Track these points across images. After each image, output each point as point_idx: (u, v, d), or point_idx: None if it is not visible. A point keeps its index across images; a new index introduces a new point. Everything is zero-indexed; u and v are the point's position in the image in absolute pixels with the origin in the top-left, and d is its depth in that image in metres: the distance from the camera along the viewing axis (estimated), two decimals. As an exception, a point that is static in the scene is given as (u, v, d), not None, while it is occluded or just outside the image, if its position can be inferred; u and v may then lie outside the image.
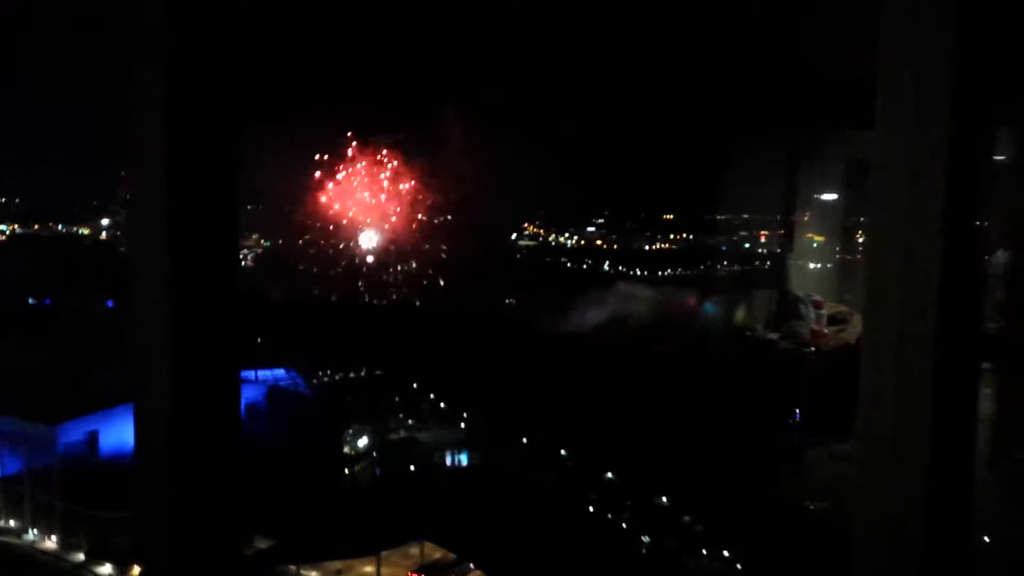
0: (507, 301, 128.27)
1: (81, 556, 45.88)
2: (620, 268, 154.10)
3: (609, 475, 57.75)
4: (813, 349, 68.37)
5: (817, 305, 71.92)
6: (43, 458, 50.71)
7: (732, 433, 58.43)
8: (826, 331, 70.00)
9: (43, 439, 51.51)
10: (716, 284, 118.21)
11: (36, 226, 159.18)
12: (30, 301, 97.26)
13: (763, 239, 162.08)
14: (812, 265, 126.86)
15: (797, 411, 60.41)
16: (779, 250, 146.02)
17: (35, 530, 48.29)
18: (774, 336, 71.83)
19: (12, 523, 49.24)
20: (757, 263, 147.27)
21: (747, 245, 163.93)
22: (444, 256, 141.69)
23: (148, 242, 3.43)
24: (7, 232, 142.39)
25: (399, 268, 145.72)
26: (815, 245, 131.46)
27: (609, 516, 54.21)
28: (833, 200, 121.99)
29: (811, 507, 48.54)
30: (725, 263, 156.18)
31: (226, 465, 3.30)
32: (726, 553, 47.57)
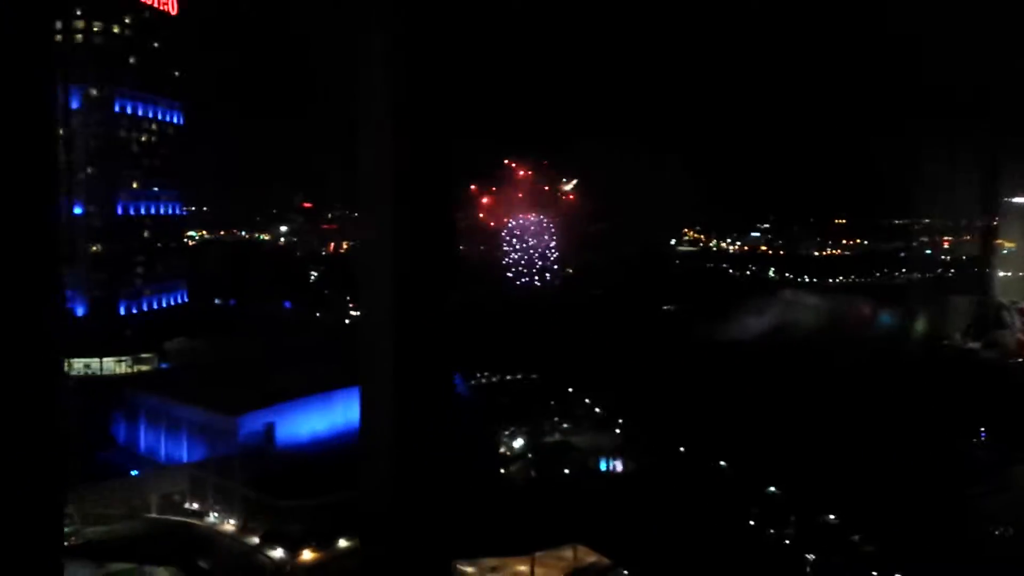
0: (665, 307, 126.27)
1: (256, 539, 48.78)
2: (786, 274, 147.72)
3: (772, 489, 55.38)
4: (1021, 360, 63.84)
5: (1022, 313, 67.30)
6: (225, 447, 54.29)
7: (924, 446, 55.24)
8: None
9: (225, 429, 55.19)
10: (896, 292, 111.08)
11: (222, 232, 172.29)
12: (216, 302, 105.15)
13: (946, 245, 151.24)
14: (1003, 273, 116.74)
15: (988, 426, 56.17)
16: (965, 256, 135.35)
17: (216, 513, 51.80)
18: (975, 345, 67.56)
19: (196, 506, 53.09)
20: (940, 270, 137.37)
21: (928, 251, 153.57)
22: (602, 262, 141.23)
23: (377, 251, 3.57)
24: (197, 238, 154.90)
25: (559, 274, 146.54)
26: (1005, 251, 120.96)
27: (771, 531, 51.96)
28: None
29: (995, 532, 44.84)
30: (903, 270, 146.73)
31: (440, 451, 3.40)
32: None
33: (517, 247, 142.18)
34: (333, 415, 59.47)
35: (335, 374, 64.59)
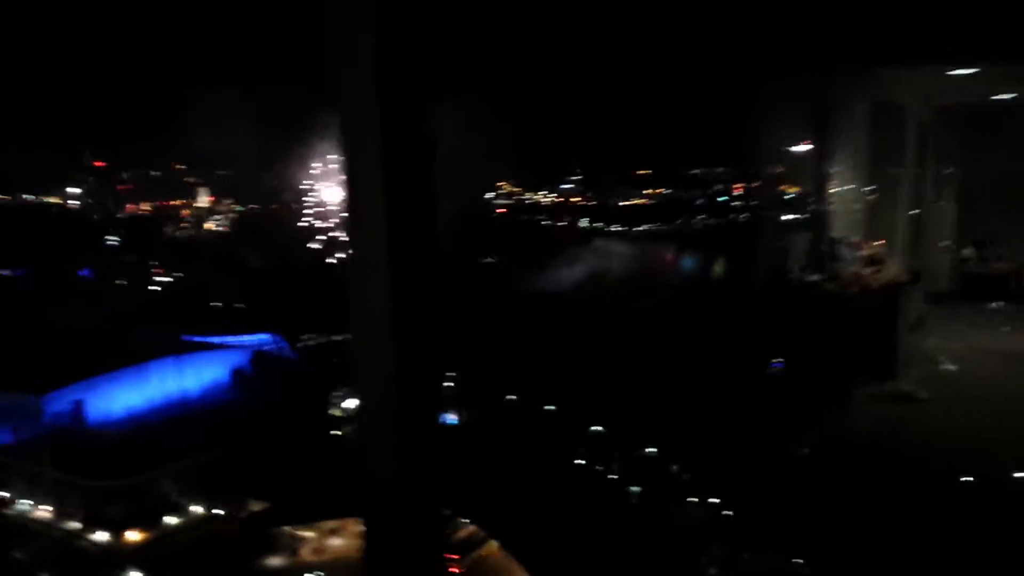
0: (485, 260, 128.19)
1: (76, 524, 45.87)
2: (597, 224, 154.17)
3: (597, 428, 58.55)
4: (857, 291, 68.95)
5: (855, 246, 72.94)
6: (30, 429, 50.31)
7: (738, 377, 59.45)
8: (865, 271, 70.97)
9: (29, 410, 51.08)
10: (697, 236, 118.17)
11: (3, 197, 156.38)
12: (3, 273, 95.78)
13: (737, 191, 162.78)
14: (785, 216, 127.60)
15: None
16: (755, 201, 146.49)
17: (27, 501, 48.12)
18: (816, 278, 72.38)
19: (3, 494, 49.04)
20: (732, 216, 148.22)
21: (722, 198, 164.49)
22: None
23: (369, 231, 3.57)
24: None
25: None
26: (789, 196, 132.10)
27: (598, 468, 55.13)
28: (806, 151, 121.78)
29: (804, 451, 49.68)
30: (702, 216, 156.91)
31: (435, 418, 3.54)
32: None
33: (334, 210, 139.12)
34: (149, 388, 56.47)
35: (147, 344, 61.20)
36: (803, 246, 79.25)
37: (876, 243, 73.61)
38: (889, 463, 47.87)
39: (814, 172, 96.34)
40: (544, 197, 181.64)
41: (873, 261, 71.63)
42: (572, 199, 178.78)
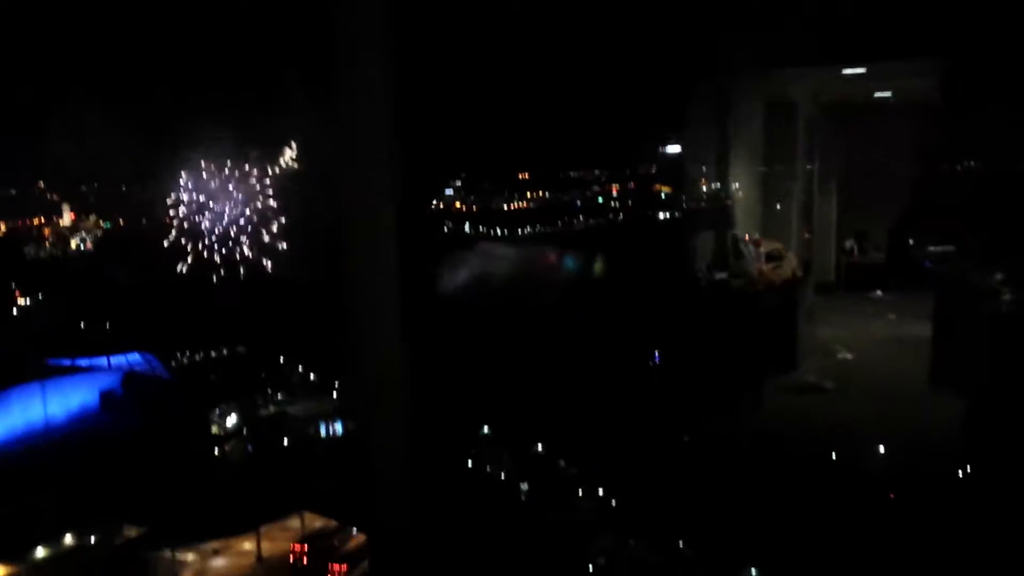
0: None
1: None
2: (480, 228, 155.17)
3: (485, 429, 58.86)
4: (762, 289, 70.63)
5: (756, 243, 74.67)
6: None
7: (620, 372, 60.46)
8: (765, 268, 72.81)
9: None
10: (578, 236, 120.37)
11: None
12: None
13: (614, 192, 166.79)
14: (662, 215, 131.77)
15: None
16: (631, 201, 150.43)
17: None
18: (722, 276, 73.73)
19: None
20: (611, 216, 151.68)
21: (600, 199, 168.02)
22: (295, 227, 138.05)
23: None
24: None
25: (253, 245, 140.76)
26: (664, 195, 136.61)
27: (487, 468, 55.39)
28: (677, 152, 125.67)
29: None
30: (580, 217, 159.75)
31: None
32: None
33: (195, 221, 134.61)
34: (9, 417, 53.43)
35: (7, 370, 57.75)
36: (708, 244, 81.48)
37: (773, 240, 76.46)
38: (803, 451, 49.59)
39: (695, 170, 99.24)
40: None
41: (771, 257, 74.21)
42: (454, 205, 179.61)
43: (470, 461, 55.76)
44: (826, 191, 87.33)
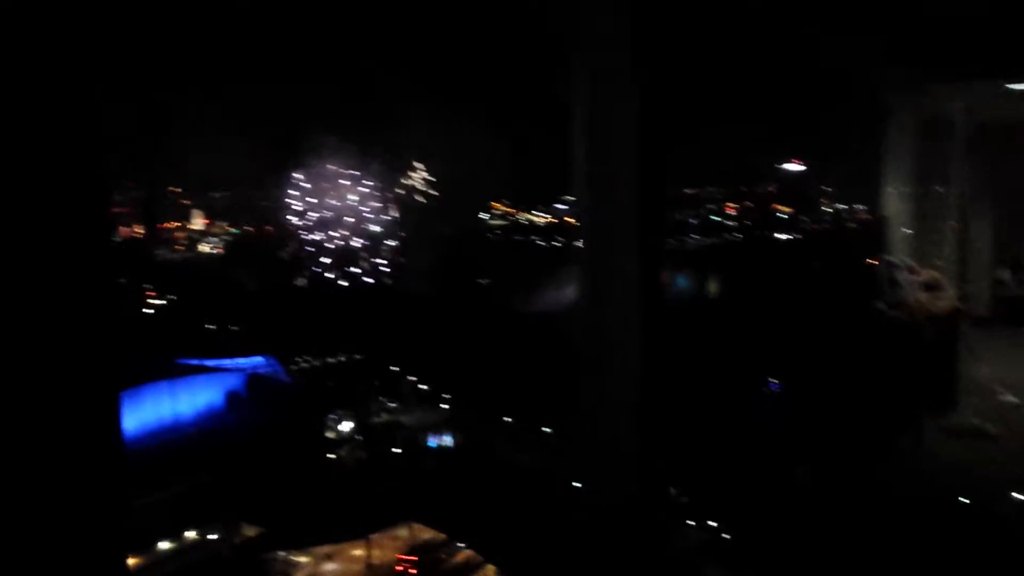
0: (479, 282, 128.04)
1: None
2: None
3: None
4: (925, 320, 65.13)
5: (912, 271, 68.93)
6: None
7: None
8: (922, 298, 67.23)
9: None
10: (690, 255, 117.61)
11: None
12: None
13: (731, 211, 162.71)
14: (782, 235, 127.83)
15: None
16: (748, 221, 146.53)
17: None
18: (881, 305, 68.29)
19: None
20: (724, 234, 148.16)
21: (715, 218, 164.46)
22: (412, 239, 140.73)
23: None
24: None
25: (373, 257, 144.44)
26: (783, 216, 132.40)
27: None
28: (799, 171, 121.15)
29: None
30: (692, 235, 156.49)
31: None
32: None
33: (324, 231, 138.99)
34: (142, 412, 55.99)
35: (140, 368, 60.71)
36: (863, 270, 75.56)
37: (929, 268, 70.25)
38: (969, 500, 45.01)
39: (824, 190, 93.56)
40: (537, 216, 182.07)
41: (929, 287, 68.25)
42: (567, 219, 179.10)
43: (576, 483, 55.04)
44: (980, 216, 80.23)
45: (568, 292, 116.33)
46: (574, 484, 53.86)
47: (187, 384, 59.12)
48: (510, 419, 63.97)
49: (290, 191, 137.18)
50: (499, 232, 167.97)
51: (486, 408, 65.36)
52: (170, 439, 54.67)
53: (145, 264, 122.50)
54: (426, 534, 49.35)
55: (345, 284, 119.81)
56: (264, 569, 46.64)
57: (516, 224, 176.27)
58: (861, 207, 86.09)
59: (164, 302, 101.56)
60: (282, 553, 47.38)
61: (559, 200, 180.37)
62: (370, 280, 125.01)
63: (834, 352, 61.23)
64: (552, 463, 55.50)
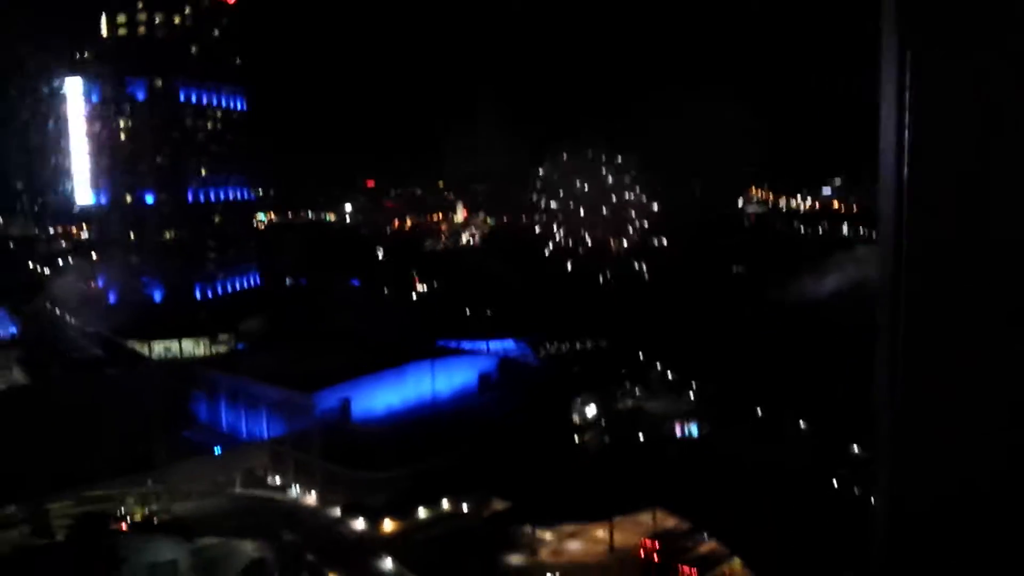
0: (735, 269, 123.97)
1: (337, 511, 49.80)
2: (861, 231, 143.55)
3: (856, 448, 53.97)
4: None
5: None
6: (303, 423, 55.42)
7: None
8: None
9: (303, 405, 56.29)
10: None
11: (289, 214, 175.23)
12: (287, 282, 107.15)
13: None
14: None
15: None
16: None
17: (297, 487, 53.03)
18: None
19: (278, 480, 54.40)
20: None
21: None
22: (669, 227, 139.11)
23: None
24: (265, 221, 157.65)
25: (625, 243, 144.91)
26: None
27: (856, 491, 50.60)
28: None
29: None
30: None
31: None
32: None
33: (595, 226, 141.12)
34: (405, 389, 60.17)
35: (406, 348, 65.39)
36: None
37: None
38: None
39: None
40: (800, 203, 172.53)
41: None
42: (832, 204, 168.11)
43: (835, 480, 51.50)
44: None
45: (835, 278, 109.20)
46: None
47: (445, 364, 62.70)
48: (761, 412, 61.33)
49: (546, 186, 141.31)
50: (756, 218, 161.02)
51: (735, 399, 63.12)
52: (429, 415, 58.21)
53: (414, 253, 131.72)
54: (670, 522, 48.41)
55: (593, 272, 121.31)
56: (511, 541, 48.17)
57: (776, 209, 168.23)
58: None
59: (425, 288, 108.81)
60: (529, 528, 48.70)
61: (825, 184, 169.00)
62: (619, 268, 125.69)
63: None
64: (804, 459, 52.38)
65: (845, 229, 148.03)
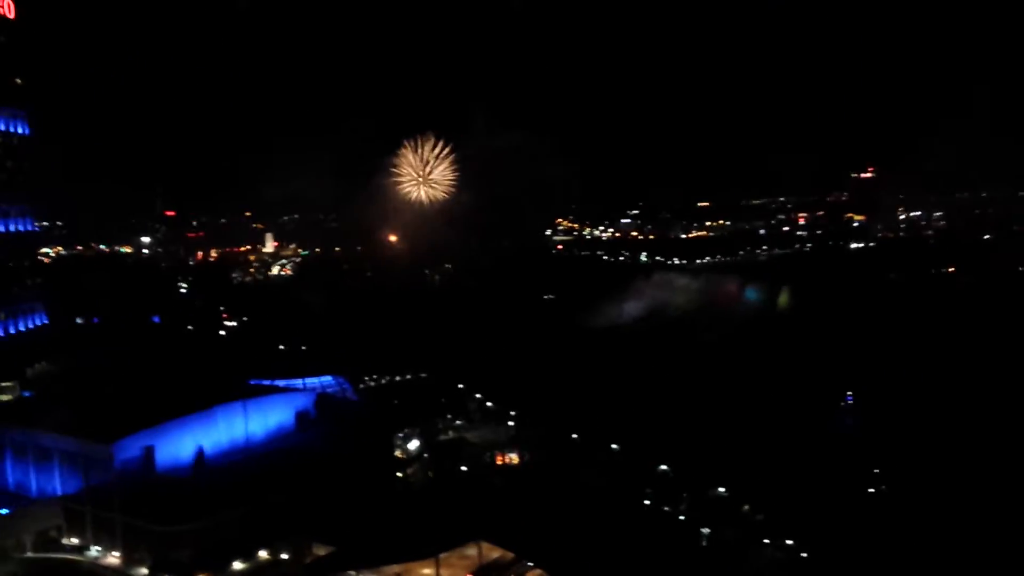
0: (545, 297, 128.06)
1: (144, 571, 46.34)
2: (657, 258, 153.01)
3: (663, 467, 57.08)
4: None
5: None
6: (101, 475, 51.16)
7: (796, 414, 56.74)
8: None
9: (100, 457, 51.98)
10: (761, 268, 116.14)
11: (79, 247, 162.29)
12: (79, 321, 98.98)
13: (801, 221, 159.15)
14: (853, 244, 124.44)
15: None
16: (819, 231, 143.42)
17: (97, 547, 48.89)
18: None
19: (75, 541, 49.93)
20: (798, 246, 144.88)
21: (785, 228, 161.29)
22: (479, 255, 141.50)
23: None
24: (52, 255, 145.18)
25: (435, 270, 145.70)
26: (855, 224, 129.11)
27: (665, 509, 53.52)
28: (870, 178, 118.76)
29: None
30: (764, 247, 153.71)
31: None
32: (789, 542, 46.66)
33: (389, 246, 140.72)
34: (216, 432, 57.03)
35: (214, 389, 62.07)
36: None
37: None
38: None
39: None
40: (603, 232, 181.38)
41: None
42: (631, 233, 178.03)
43: (646, 500, 54.18)
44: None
45: (637, 303, 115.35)
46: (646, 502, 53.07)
47: (259, 404, 60.06)
48: (576, 435, 63.47)
49: (363, 213, 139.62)
50: (563, 247, 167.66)
51: (552, 425, 64.99)
52: (242, 459, 55.53)
53: (220, 287, 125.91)
54: (495, 553, 48.89)
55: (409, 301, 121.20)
56: (334, 588, 46.84)
57: (581, 238, 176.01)
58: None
59: (236, 324, 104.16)
60: (352, 573, 47.52)
61: (624, 215, 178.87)
62: (438, 294, 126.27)
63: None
64: (619, 481, 54.78)
65: (643, 256, 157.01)
